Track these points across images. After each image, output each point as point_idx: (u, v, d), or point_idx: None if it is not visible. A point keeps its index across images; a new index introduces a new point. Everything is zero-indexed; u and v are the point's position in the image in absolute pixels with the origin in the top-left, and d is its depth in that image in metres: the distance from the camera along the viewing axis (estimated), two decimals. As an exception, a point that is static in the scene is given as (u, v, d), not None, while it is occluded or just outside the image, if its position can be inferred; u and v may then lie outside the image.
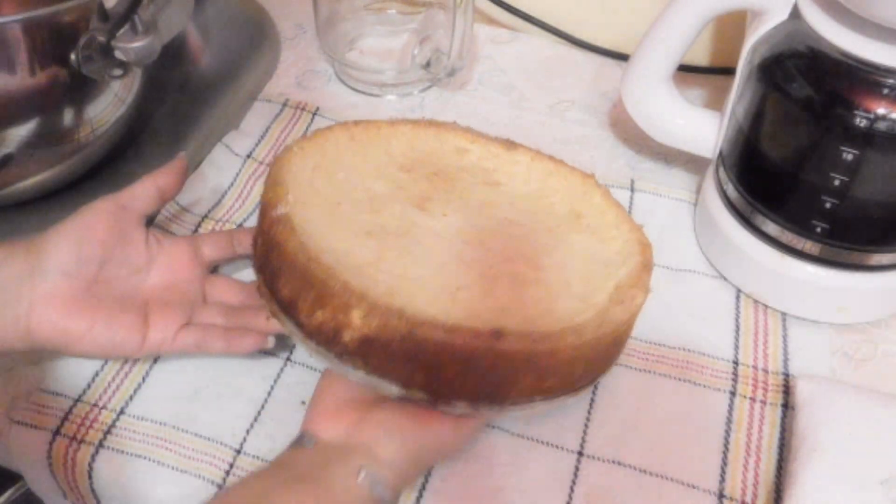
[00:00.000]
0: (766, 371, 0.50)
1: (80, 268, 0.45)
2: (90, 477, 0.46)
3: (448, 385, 0.38)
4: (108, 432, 0.47)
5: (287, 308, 0.40)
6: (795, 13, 0.48)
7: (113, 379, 0.49)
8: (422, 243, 0.43)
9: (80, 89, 0.51)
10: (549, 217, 0.48)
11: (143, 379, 0.49)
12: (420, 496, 0.44)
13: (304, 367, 0.50)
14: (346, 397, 0.41)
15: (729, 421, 0.48)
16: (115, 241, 0.46)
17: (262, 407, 0.48)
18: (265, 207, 0.43)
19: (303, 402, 0.48)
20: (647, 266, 0.44)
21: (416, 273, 0.41)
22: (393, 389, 0.39)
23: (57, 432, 0.47)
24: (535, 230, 0.47)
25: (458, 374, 0.37)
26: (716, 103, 0.58)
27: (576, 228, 0.47)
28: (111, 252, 0.46)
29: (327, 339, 0.39)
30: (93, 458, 0.46)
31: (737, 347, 0.52)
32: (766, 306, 0.54)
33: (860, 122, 0.45)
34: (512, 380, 0.38)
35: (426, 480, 0.45)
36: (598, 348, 0.40)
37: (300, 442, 0.40)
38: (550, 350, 0.38)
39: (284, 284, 0.40)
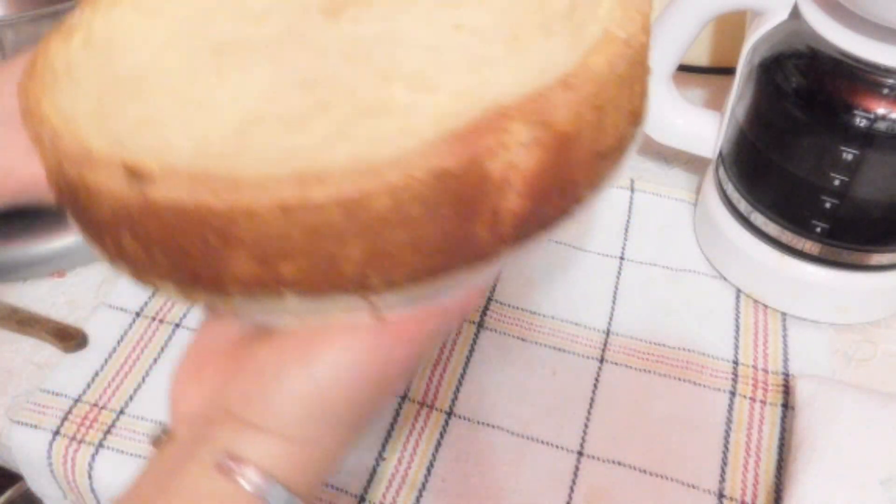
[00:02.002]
0: (765, 371, 0.50)
1: None
2: (90, 477, 0.46)
3: (130, 254, 0.27)
4: (108, 432, 0.47)
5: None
6: (795, 13, 0.48)
7: (113, 379, 0.49)
8: (275, 59, 0.31)
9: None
10: (532, 17, 0.32)
11: (143, 379, 0.49)
12: (420, 496, 0.44)
13: (304, 367, 0.50)
14: (213, 345, 0.29)
15: (729, 421, 0.48)
16: None
17: (262, 407, 0.48)
18: None
19: (303, 402, 0.48)
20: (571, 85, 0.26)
21: (218, 97, 0.30)
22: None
23: (57, 432, 0.47)
24: (490, 41, 0.31)
25: (130, 238, 0.26)
26: (716, 103, 0.58)
27: (546, 32, 0.32)
28: None
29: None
30: (93, 458, 0.46)
31: (737, 347, 0.52)
32: (766, 306, 0.54)
33: (860, 122, 0.45)
34: (212, 254, 0.25)
35: (426, 480, 0.45)
36: (379, 213, 0.24)
37: (153, 440, 0.29)
38: (245, 208, 0.24)
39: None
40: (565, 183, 0.27)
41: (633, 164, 0.65)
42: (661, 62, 0.56)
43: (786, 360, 0.51)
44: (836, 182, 0.47)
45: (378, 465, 0.46)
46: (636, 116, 0.32)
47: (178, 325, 0.52)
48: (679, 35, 0.54)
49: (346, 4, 0.34)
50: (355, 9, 0.34)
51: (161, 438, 0.28)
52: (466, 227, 0.25)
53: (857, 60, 0.45)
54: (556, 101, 0.26)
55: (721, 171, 0.55)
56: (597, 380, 0.50)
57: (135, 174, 0.25)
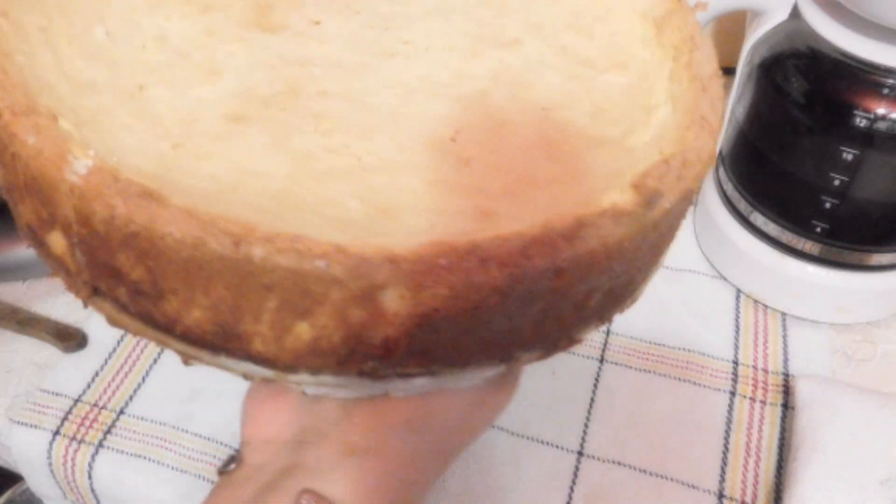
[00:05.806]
0: (765, 371, 0.50)
1: None
2: (90, 477, 0.46)
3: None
4: (108, 432, 0.47)
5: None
6: (795, 13, 0.48)
7: (113, 379, 0.49)
8: (325, 100, 0.26)
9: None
10: None
11: (143, 379, 0.49)
12: (420, 496, 0.44)
13: (304, 367, 0.50)
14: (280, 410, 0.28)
15: (729, 421, 0.48)
16: None
17: (262, 407, 0.48)
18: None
19: (303, 402, 0.48)
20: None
21: (366, 158, 0.25)
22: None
23: (57, 432, 0.47)
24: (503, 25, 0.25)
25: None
26: (716, 103, 0.57)
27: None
28: None
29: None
30: (93, 458, 0.46)
31: (736, 347, 0.52)
32: (765, 306, 0.54)
33: (860, 122, 0.45)
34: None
35: (426, 480, 0.45)
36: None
37: (221, 467, 0.28)
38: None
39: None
40: None
41: (633, 164, 0.65)
42: (661, 62, 0.56)
43: (786, 360, 0.51)
44: (836, 182, 0.47)
45: (378, 465, 0.46)
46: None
47: (178, 325, 0.52)
48: (679, 35, 0.54)
49: (267, 10, 0.28)
50: (289, 8, 0.28)
51: (230, 465, 0.26)
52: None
53: (858, 60, 0.45)
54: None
55: (721, 171, 0.55)
56: (597, 380, 0.50)
57: (148, 196, 0.22)
